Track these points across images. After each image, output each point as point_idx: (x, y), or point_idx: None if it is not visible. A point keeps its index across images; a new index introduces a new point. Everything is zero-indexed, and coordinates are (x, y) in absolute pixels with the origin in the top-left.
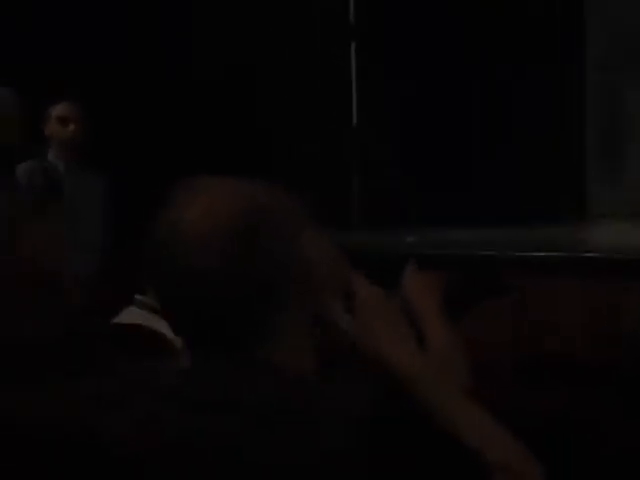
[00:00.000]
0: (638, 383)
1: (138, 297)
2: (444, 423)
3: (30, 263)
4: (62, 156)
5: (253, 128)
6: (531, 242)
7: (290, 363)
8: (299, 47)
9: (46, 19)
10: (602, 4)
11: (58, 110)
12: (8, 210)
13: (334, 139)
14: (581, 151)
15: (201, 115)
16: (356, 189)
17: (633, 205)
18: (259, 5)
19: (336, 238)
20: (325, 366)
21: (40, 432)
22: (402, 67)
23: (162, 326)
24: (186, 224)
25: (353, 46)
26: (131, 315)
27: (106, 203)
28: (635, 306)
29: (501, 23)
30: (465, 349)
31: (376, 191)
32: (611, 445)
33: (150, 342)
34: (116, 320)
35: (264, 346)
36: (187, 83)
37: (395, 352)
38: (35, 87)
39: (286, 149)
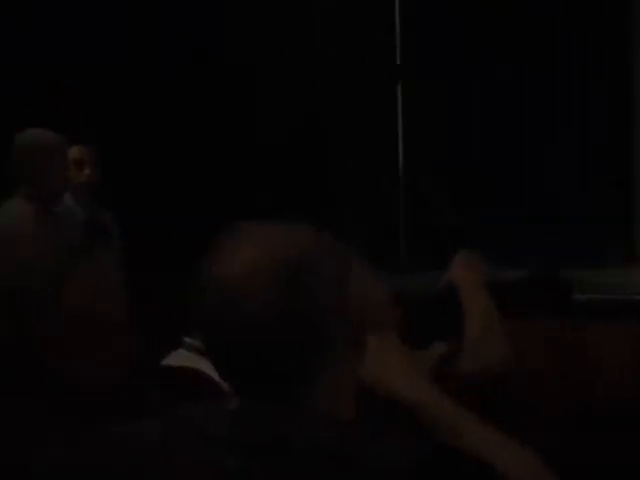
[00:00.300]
0: None
1: (187, 340)
2: (461, 444)
3: (77, 307)
4: (78, 200)
5: (302, 171)
6: (579, 284)
7: (336, 405)
8: (347, 88)
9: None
10: None
11: (73, 153)
12: (55, 253)
13: (380, 179)
14: (630, 192)
15: (250, 155)
16: (403, 230)
17: None
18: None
19: (387, 281)
20: (361, 410)
21: (88, 474)
22: (448, 103)
23: (209, 368)
24: (230, 270)
25: (399, 86)
26: (179, 357)
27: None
28: None
29: (560, 51)
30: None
31: (424, 231)
32: None
33: (197, 384)
34: (164, 362)
35: (310, 388)
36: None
37: (405, 384)
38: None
39: (334, 190)
